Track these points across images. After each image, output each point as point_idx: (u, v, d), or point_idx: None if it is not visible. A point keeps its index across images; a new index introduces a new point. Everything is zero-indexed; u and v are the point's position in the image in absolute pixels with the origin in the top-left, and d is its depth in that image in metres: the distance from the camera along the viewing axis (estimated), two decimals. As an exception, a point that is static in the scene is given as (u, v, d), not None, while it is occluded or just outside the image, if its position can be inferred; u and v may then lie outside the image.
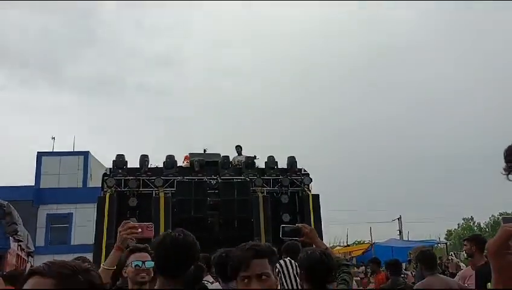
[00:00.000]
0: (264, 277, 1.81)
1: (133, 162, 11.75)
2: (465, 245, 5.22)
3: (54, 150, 31.19)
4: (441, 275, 5.04)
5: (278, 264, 4.35)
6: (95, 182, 27.45)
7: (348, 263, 3.30)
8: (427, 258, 5.04)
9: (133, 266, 3.30)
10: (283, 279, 4.29)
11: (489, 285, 4.16)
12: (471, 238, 5.19)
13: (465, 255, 5.90)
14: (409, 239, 31.58)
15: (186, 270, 2.30)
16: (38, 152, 30.54)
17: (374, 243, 24.68)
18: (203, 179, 11.39)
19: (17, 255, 13.23)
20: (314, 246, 3.14)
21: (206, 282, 4.79)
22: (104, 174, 11.40)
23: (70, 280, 1.41)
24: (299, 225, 2.99)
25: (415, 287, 5.26)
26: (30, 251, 17.04)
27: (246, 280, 1.82)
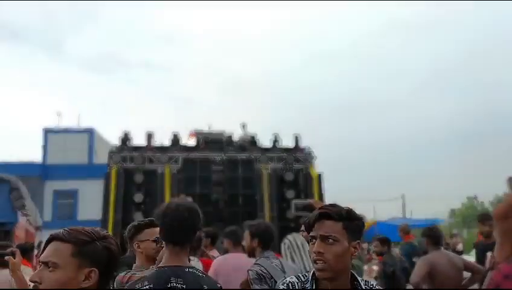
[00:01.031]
0: (330, 240, 1.76)
1: (139, 140, 11.87)
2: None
3: (60, 127, 31.36)
4: (446, 251, 5.12)
5: (286, 239, 4.47)
6: (101, 158, 27.66)
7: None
8: (433, 233, 5.14)
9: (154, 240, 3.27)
10: (293, 254, 4.40)
11: (488, 255, 4.26)
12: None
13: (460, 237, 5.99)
14: (413, 218, 31.76)
15: (192, 237, 2.34)
16: (44, 129, 30.72)
17: (377, 222, 24.87)
18: (208, 156, 11.51)
19: (25, 229, 13.46)
20: None
21: (211, 257, 4.90)
22: (111, 151, 11.53)
23: (88, 246, 1.49)
24: (311, 200, 3.10)
25: (419, 261, 5.35)
26: (38, 225, 17.31)
27: (313, 240, 1.81)
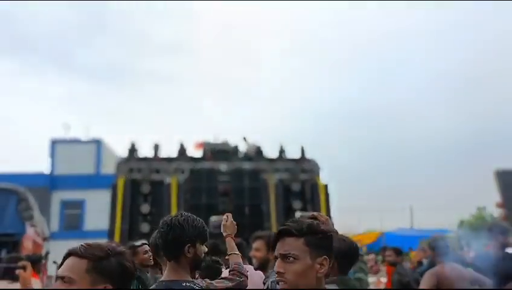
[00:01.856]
0: (290, 258, 1.64)
1: (146, 150, 11.95)
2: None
3: (67, 138, 31.59)
4: (453, 263, 5.09)
5: None
6: (108, 169, 27.81)
7: (362, 254, 3.41)
8: (437, 243, 5.13)
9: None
10: None
11: None
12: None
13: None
14: (420, 229, 31.54)
15: (176, 251, 2.32)
16: (51, 140, 30.96)
17: (384, 232, 24.72)
18: (214, 166, 11.55)
19: (33, 240, 13.49)
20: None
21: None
22: (118, 162, 11.61)
23: (103, 262, 1.52)
24: (315, 213, 3.06)
25: (427, 274, 5.33)
26: (45, 236, 17.36)
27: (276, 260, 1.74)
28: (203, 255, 2.41)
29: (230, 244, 3.18)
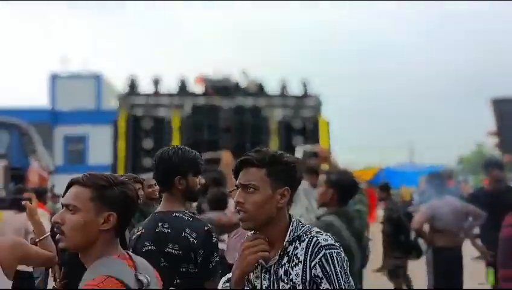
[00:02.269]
0: (250, 189, 1.63)
1: (146, 85, 11.87)
2: None
3: (67, 72, 31.30)
4: (449, 197, 5.21)
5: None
6: (108, 103, 27.79)
7: (362, 186, 3.48)
8: (434, 179, 5.25)
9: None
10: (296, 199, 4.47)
11: None
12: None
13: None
14: (420, 165, 31.90)
15: (167, 183, 2.38)
16: (51, 75, 30.69)
17: (383, 168, 25.04)
18: (215, 102, 11.52)
19: (38, 173, 13.74)
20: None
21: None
22: (119, 98, 11.58)
23: (107, 191, 1.56)
24: (318, 147, 3.07)
25: (422, 207, 5.48)
26: (50, 170, 17.65)
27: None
28: (198, 187, 2.45)
29: (231, 181, 3.28)
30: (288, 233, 1.65)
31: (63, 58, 33.42)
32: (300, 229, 1.67)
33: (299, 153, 3.06)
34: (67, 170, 26.90)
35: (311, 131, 12.00)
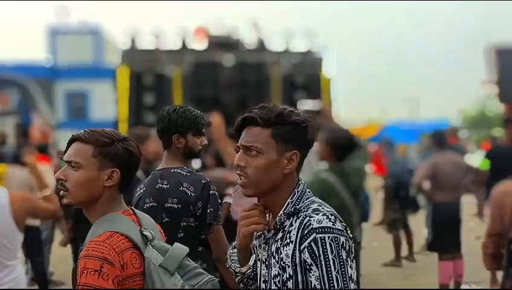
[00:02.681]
0: (253, 152, 1.44)
1: (148, 41, 11.71)
2: None
3: (65, 25, 30.77)
4: (450, 153, 5.26)
5: None
6: (110, 58, 27.46)
7: (364, 144, 3.50)
8: (437, 137, 5.30)
9: None
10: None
11: None
12: None
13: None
14: (422, 120, 31.88)
15: (166, 141, 2.46)
16: (50, 29, 30.18)
17: (385, 125, 25.05)
18: (217, 59, 11.39)
19: (41, 129, 13.80)
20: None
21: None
22: (120, 53, 11.47)
23: (109, 147, 1.56)
24: (319, 104, 3.06)
25: (424, 163, 5.53)
26: (52, 125, 17.70)
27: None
28: (200, 147, 2.48)
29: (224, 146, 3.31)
30: (286, 205, 1.46)
31: (61, 9, 32.50)
32: (301, 202, 1.46)
33: (301, 110, 3.03)
34: (70, 126, 26.90)
35: (313, 87, 11.92)
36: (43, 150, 5.99)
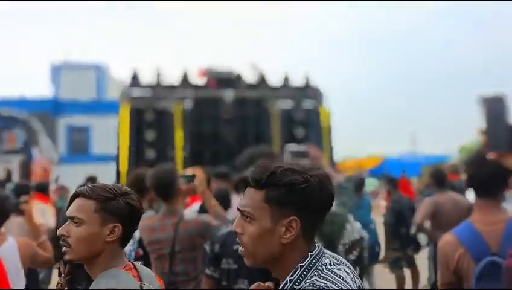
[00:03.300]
0: (247, 218, 1.30)
1: (149, 77, 11.87)
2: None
3: (69, 62, 31.26)
4: (451, 193, 5.23)
5: None
6: (112, 94, 27.75)
7: (347, 186, 3.36)
8: (438, 174, 5.28)
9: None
10: None
11: None
12: None
13: None
14: (423, 154, 31.95)
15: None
16: (55, 65, 30.68)
17: (386, 158, 25.09)
18: (218, 94, 11.51)
19: (42, 165, 13.82)
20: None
21: None
22: (122, 89, 11.61)
23: (111, 202, 1.58)
24: (307, 147, 3.01)
25: (424, 202, 5.50)
26: (54, 160, 17.74)
27: None
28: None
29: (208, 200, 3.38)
30: (284, 283, 1.27)
31: (66, 49, 33.22)
32: (304, 281, 1.25)
33: (286, 154, 2.97)
34: (71, 161, 27.05)
35: (312, 122, 12.00)
36: (43, 189, 5.99)
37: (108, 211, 1.56)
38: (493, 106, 7.44)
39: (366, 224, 5.60)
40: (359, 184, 7.45)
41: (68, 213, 1.59)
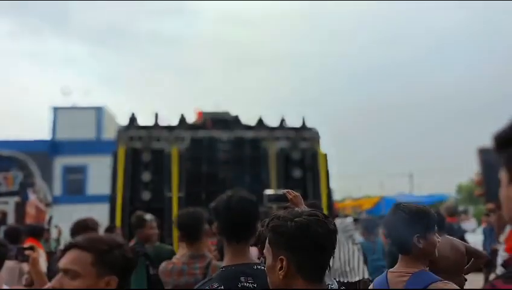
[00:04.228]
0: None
1: (147, 117, 11.94)
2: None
3: (68, 103, 31.51)
4: (449, 237, 5.16)
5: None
6: (109, 135, 27.83)
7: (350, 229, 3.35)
8: (431, 217, 5.21)
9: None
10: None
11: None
12: None
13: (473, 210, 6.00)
14: (420, 194, 31.87)
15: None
16: (53, 106, 30.91)
17: (383, 197, 24.97)
18: (214, 135, 11.54)
19: (36, 206, 13.68)
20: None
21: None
22: (118, 130, 11.61)
23: (108, 255, 1.55)
24: (284, 191, 2.97)
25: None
26: (48, 202, 17.58)
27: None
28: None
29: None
30: None
31: (64, 89, 33.55)
32: None
33: (265, 199, 2.92)
34: (67, 201, 26.84)
35: (309, 163, 11.99)
36: (36, 233, 5.91)
37: (105, 264, 1.53)
38: (490, 157, 7.43)
39: (380, 269, 5.46)
40: (371, 227, 7.28)
41: (62, 265, 1.53)
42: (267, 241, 1.54)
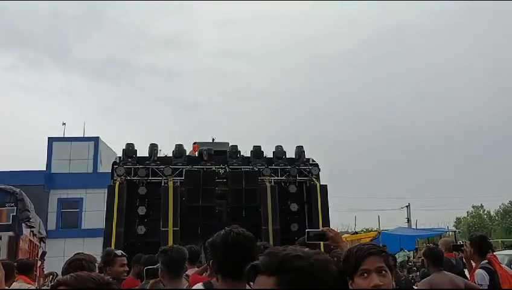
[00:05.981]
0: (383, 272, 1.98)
1: (143, 149, 11.88)
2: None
3: (65, 135, 31.49)
4: (448, 273, 5.08)
5: None
6: (105, 167, 27.71)
7: None
8: (433, 254, 5.12)
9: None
10: None
11: None
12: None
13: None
14: (417, 227, 31.66)
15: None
16: (49, 137, 30.84)
17: (381, 231, 24.78)
18: (211, 168, 11.49)
19: (30, 241, 13.47)
20: (339, 249, 3.10)
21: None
22: (114, 163, 11.54)
23: None
24: (324, 228, 2.91)
25: (420, 283, 5.32)
26: (42, 236, 17.34)
27: (365, 274, 1.99)
28: None
29: None
30: None
31: (62, 122, 33.56)
32: None
33: (306, 237, 2.85)
34: (61, 235, 26.48)
35: (307, 195, 11.91)
36: (27, 270, 5.79)
37: None
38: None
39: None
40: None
41: None
42: (275, 282, 1.30)
